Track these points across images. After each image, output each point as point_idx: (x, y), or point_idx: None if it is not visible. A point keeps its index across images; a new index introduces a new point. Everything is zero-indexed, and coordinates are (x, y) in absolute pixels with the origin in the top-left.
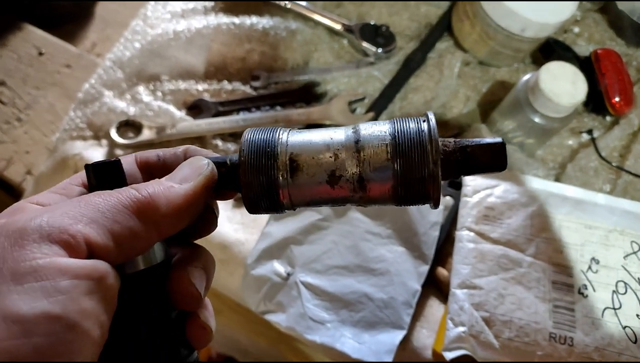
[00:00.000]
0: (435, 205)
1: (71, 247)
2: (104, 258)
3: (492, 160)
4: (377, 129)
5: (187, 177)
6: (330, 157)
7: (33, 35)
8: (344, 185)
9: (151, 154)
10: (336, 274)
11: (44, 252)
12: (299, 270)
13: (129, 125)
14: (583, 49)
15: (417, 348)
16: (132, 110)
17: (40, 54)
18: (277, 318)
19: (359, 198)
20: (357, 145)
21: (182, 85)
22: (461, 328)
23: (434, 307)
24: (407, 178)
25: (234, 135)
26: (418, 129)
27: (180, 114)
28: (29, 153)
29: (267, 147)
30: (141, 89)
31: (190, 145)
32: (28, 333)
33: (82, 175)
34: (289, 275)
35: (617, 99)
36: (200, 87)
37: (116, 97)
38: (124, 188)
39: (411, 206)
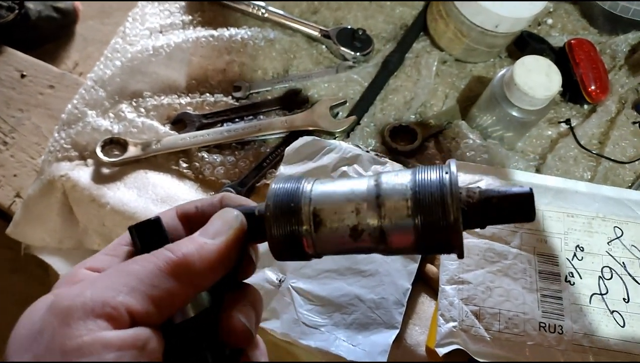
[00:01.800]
0: (460, 255)
1: (114, 318)
2: (146, 322)
3: (519, 212)
4: (399, 182)
5: (219, 231)
6: (352, 211)
7: (14, 58)
8: (366, 238)
9: (190, 206)
10: (327, 278)
11: (89, 328)
12: (290, 276)
13: (114, 143)
14: (557, 39)
15: (410, 345)
16: (116, 128)
17: (23, 76)
18: (272, 326)
19: (382, 249)
20: (378, 200)
21: (165, 100)
22: (452, 324)
23: (425, 304)
24: (428, 232)
25: (219, 147)
26: (439, 182)
27: (164, 128)
28: (17, 176)
29: (290, 202)
30: (124, 106)
31: (226, 193)
32: None
33: (128, 235)
34: (281, 281)
35: (592, 87)
36: (183, 100)
37: (99, 116)
38: (159, 250)
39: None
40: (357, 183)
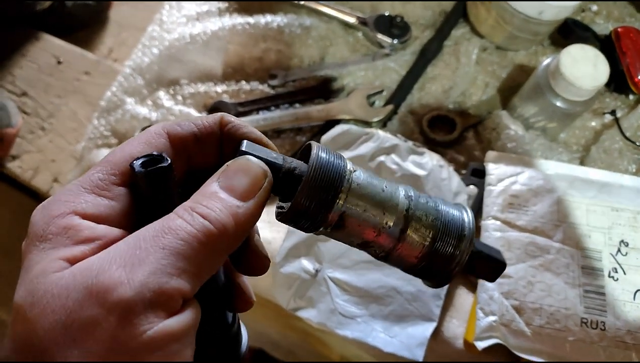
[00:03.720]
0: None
1: (171, 306)
2: (191, 297)
3: (488, 275)
4: (424, 226)
5: (248, 191)
6: (374, 231)
7: (50, 45)
8: (374, 251)
9: (184, 130)
10: (363, 269)
11: (150, 322)
12: (326, 266)
13: None
14: (602, 27)
15: (448, 338)
16: (154, 116)
17: (59, 62)
18: (308, 315)
19: (382, 256)
20: (401, 235)
21: (202, 88)
22: (492, 318)
23: (463, 297)
24: (434, 258)
25: None
26: (460, 226)
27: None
28: (55, 161)
29: (334, 180)
30: (162, 94)
31: (224, 115)
32: None
33: (114, 168)
34: (317, 271)
35: (639, 77)
36: (219, 88)
37: (138, 104)
38: (196, 219)
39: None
40: (393, 198)
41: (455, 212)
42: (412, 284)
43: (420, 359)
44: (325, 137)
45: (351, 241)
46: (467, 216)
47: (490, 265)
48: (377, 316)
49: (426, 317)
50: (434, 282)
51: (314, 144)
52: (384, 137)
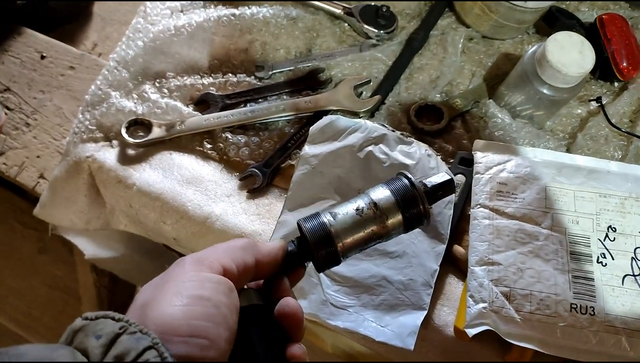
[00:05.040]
0: (428, 222)
1: (212, 267)
2: (230, 276)
3: (449, 191)
4: (385, 196)
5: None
6: (368, 235)
7: (34, 39)
8: (373, 232)
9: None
10: (354, 259)
11: (195, 269)
12: None
13: (139, 124)
14: (587, 15)
15: (439, 326)
16: (140, 109)
17: (43, 57)
18: None
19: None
20: (384, 224)
21: (188, 80)
22: (482, 305)
23: (453, 285)
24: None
25: (243, 128)
26: (408, 185)
27: (188, 109)
28: (40, 157)
29: (323, 233)
30: (147, 87)
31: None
32: (190, 304)
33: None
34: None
35: (624, 64)
36: (206, 81)
37: (123, 97)
38: (239, 239)
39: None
40: (356, 206)
41: (399, 183)
42: (402, 273)
43: (412, 347)
44: (313, 128)
45: (362, 248)
46: (406, 178)
47: (445, 186)
48: (368, 306)
49: (417, 305)
50: (422, 222)
51: (300, 223)
52: (371, 127)
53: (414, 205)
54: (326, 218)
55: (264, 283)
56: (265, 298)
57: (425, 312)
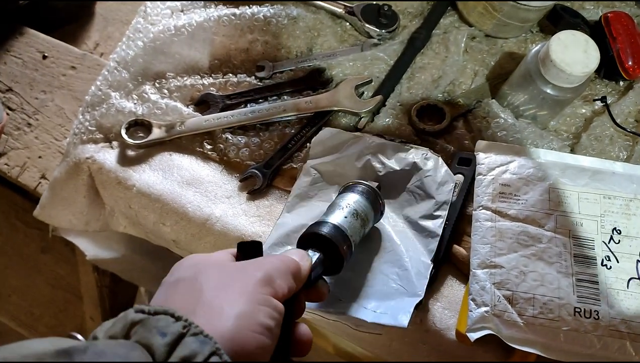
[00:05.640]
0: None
1: (277, 294)
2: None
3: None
4: (360, 204)
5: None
6: (359, 222)
7: (35, 39)
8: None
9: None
10: None
11: (266, 292)
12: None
13: (139, 125)
14: (592, 13)
15: (440, 329)
16: (140, 110)
17: (44, 57)
18: None
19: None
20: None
21: (188, 81)
22: (484, 309)
23: (454, 287)
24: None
25: (243, 128)
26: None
27: (188, 110)
28: (42, 158)
29: (341, 238)
30: (147, 87)
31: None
32: (258, 332)
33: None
34: None
35: (630, 63)
36: (206, 81)
37: (123, 98)
38: (288, 258)
39: (420, 192)
40: (343, 212)
41: (363, 188)
42: (397, 265)
43: (405, 325)
44: (315, 141)
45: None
46: (363, 185)
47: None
48: (362, 296)
49: (412, 292)
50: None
51: (316, 230)
52: (371, 138)
53: (380, 204)
54: (335, 221)
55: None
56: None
57: (420, 298)
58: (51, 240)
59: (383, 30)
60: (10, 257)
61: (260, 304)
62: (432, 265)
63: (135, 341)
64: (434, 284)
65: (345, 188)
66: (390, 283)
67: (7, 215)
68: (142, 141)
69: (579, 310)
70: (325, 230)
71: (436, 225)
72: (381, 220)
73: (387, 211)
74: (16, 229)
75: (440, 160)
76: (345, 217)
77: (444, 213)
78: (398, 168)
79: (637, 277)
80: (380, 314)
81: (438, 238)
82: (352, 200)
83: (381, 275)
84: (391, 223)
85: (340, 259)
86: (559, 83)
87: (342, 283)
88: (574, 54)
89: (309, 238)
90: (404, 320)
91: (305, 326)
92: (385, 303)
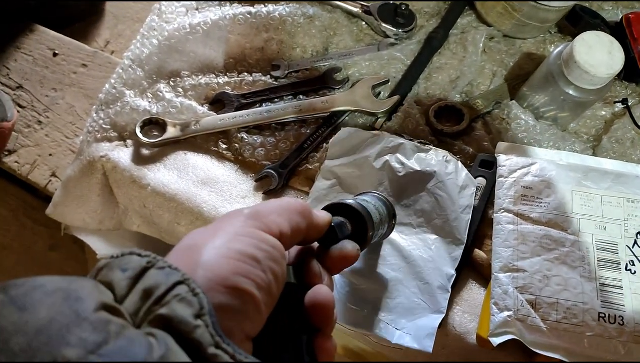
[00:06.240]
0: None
1: (270, 228)
2: (283, 241)
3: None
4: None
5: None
6: (381, 217)
7: (46, 37)
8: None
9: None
10: (370, 259)
11: (252, 226)
12: None
13: (153, 124)
14: (611, 13)
15: (460, 333)
16: (154, 108)
17: (55, 54)
18: None
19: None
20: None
21: (203, 79)
22: (506, 313)
23: (474, 291)
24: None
25: (258, 128)
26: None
27: (202, 109)
28: (52, 155)
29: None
30: (162, 86)
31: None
32: (241, 260)
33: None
34: None
35: None
36: (221, 80)
37: (137, 96)
38: (293, 199)
39: (442, 194)
40: (364, 202)
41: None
42: (419, 277)
43: (430, 350)
44: (333, 141)
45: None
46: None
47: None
48: (383, 308)
49: (434, 309)
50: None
51: (345, 202)
52: (389, 137)
53: (393, 216)
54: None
55: (297, 262)
56: (298, 277)
57: (442, 315)
58: (60, 238)
59: (400, 30)
60: (19, 254)
61: (240, 235)
62: (454, 276)
63: (98, 280)
64: (453, 288)
65: (363, 193)
66: (411, 296)
67: (15, 213)
68: (157, 140)
69: (603, 315)
70: (351, 202)
71: (460, 231)
72: (400, 227)
73: (407, 213)
74: (24, 226)
75: (460, 163)
76: (368, 202)
77: (467, 217)
78: (419, 168)
79: None
80: (404, 334)
81: (463, 246)
82: (371, 199)
83: (401, 286)
84: (411, 229)
85: (364, 231)
86: (582, 84)
87: (361, 293)
88: (598, 55)
89: (334, 207)
90: (428, 343)
91: (326, 288)
92: (407, 319)
